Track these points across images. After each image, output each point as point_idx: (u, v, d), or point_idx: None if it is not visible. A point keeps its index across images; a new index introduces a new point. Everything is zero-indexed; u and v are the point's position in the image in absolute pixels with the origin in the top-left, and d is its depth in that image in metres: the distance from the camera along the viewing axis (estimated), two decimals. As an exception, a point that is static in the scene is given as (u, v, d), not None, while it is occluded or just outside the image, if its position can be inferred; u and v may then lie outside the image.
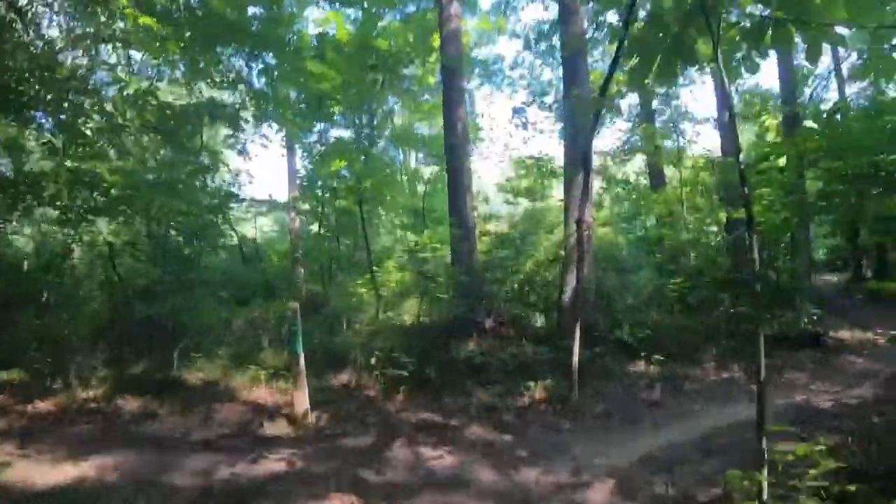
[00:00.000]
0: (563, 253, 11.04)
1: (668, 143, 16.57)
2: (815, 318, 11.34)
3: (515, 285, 11.90)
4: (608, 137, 29.43)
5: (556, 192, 15.85)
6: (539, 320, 11.09)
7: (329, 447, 6.76)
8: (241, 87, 13.41)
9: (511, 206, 16.32)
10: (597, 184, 16.89)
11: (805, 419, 6.72)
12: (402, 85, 17.45)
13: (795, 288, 13.02)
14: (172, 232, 11.69)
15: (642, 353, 9.18)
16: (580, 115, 10.34)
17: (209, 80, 12.61)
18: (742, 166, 4.40)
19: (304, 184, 16.90)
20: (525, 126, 15.05)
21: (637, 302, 11.83)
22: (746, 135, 17.83)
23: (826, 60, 19.91)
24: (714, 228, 14.35)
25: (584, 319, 9.25)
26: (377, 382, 8.79)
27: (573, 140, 10.75)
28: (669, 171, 17.36)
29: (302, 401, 7.58)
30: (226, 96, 14.20)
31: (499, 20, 19.80)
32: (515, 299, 11.60)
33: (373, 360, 9.05)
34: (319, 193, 15.18)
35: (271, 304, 11.73)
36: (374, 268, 12.65)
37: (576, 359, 7.74)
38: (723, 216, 13.84)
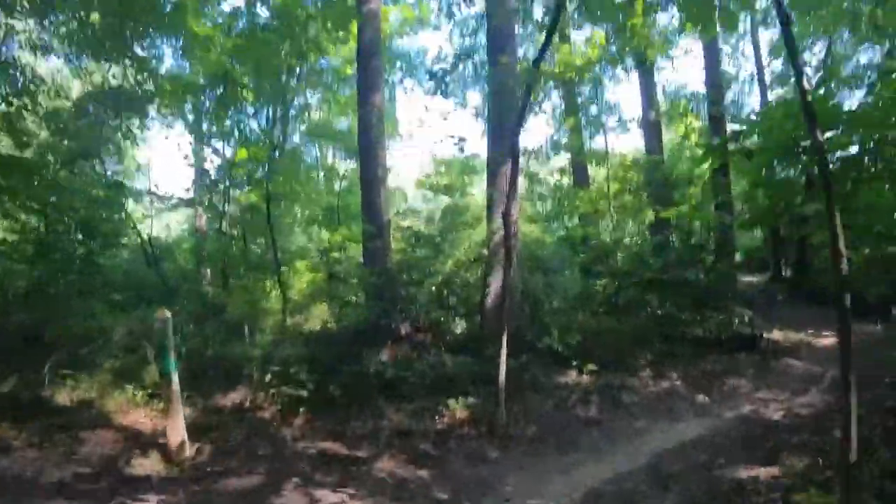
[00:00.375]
0: (486, 252, 9.98)
1: (593, 144, 16.04)
2: (745, 319, 10.83)
3: (434, 287, 10.71)
4: (532, 135, 28.98)
5: (478, 189, 14.88)
6: (460, 325, 10.02)
7: (205, 491, 5.23)
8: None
9: (430, 203, 15.17)
10: (520, 182, 16.02)
11: (761, 435, 5.87)
12: (322, 79, 16.11)
13: (723, 289, 12.60)
14: (59, 228, 10.14)
15: (573, 362, 8.17)
16: (507, 95, 9.34)
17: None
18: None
19: (211, 178, 15.06)
20: (444, 92, 13.56)
21: (564, 305, 10.92)
22: (670, 136, 17.64)
23: (749, 67, 20.31)
24: (640, 227, 13.78)
25: (510, 325, 8.22)
26: (273, 403, 7.30)
27: (499, 122, 9.69)
28: (593, 170, 16.80)
29: (177, 431, 5.98)
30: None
31: (422, 8, 18.62)
32: (434, 303, 10.41)
33: (267, 377, 7.54)
34: (222, 188, 13.50)
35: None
36: (284, 268, 11.36)
37: (503, 372, 6.58)
38: (650, 215, 13.28)
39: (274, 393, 7.36)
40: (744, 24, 20.17)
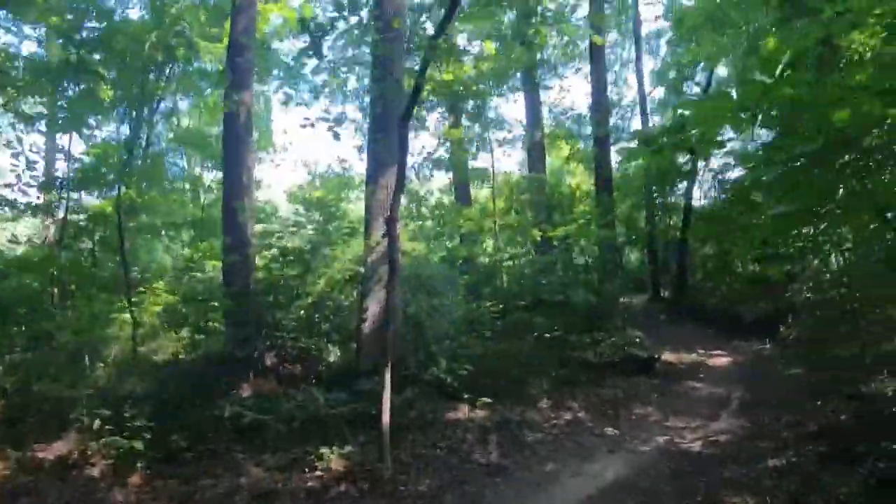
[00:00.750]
0: (362, 270, 8.66)
1: (477, 162, 15.35)
2: (637, 340, 10.35)
3: (303, 311, 9.17)
4: (412, 154, 28.06)
5: (356, 205, 13.59)
6: (334, 354, 8.56)
7: None
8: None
9: (302, 217, 13.60)
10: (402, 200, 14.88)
11: (691, 471, 5.01)
12: (193, 82, 14.29)
13: (611, 310, 12.17)
14: None
15: (464, 395, 7.00)
16: (393, 94, 8.21)
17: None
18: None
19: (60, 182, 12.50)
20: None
21: (450, 329, 9.81)
22: (553, 157, 17.54)
23: (630, 94, 20.94)
24: (527, 247, 13.15)
25: (394, 353, 6.99)
26: (105, 456, 5.42)
27: (384, 111, 8.45)
28: (475, 190, 16.13)
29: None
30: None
31: (305, 9, 17.00)
32: (304, 328, 8.88)
33: (96, 424, 5.64)
34: (65, 196, 11.39)
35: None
36: (141, 289, 9.90)
37: (386, 412, 5.27)
38: (536, 234, 12.66)
39: (106, 443, 5.50)
40: (628, 52, 20.99)
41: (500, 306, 10.79)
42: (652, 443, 5.91)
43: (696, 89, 17.42)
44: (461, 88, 11.46)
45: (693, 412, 6.93)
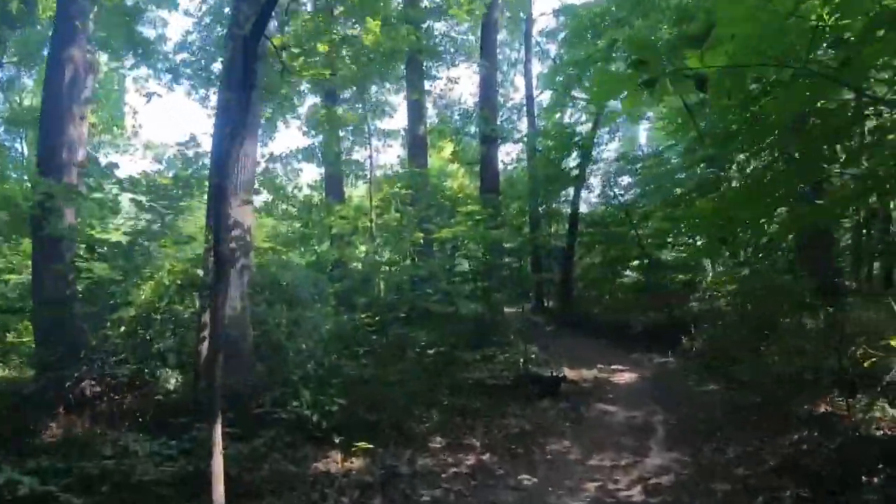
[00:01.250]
0: (201, 273, 6.69)
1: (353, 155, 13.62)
2: (533, 356, 9.20)
3: (123, 327, 6.98)
4: (278, 142, 25.50)
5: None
6: (174, 381, 6.56)
7: None
8: None
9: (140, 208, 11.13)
10: (260, 198, 12.68)
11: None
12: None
13: (501, 321, 10.99)
14: None
15: (336, 437, 5.28)
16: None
17: None
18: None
19: None
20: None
21: (318, 347, 7.99)
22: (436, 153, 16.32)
23: (517, 97, 20.36)
24: (408, 251, 11.65)
25: (232, 384, 5.18)
26: None
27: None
28: (350, 188, 14.39)
29: None
30: None
31: None
32: (134, 348, 6.69)
33: None
34: None
35: None
36: None
37: (219, 480, 3.42)
38: (419, 236, 11.18)
39: None
40: (518, 52, 20.37)
41: (377, 318, 9.20)
42: (582, 493, 4.56)
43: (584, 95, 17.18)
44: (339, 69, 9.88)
45: (617, 445, 5.71)
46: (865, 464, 3.97)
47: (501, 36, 18.93)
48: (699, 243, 11.77)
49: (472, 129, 15.91)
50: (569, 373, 8.76)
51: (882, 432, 4.76)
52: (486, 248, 11.33)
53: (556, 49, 18.77)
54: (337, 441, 5.23)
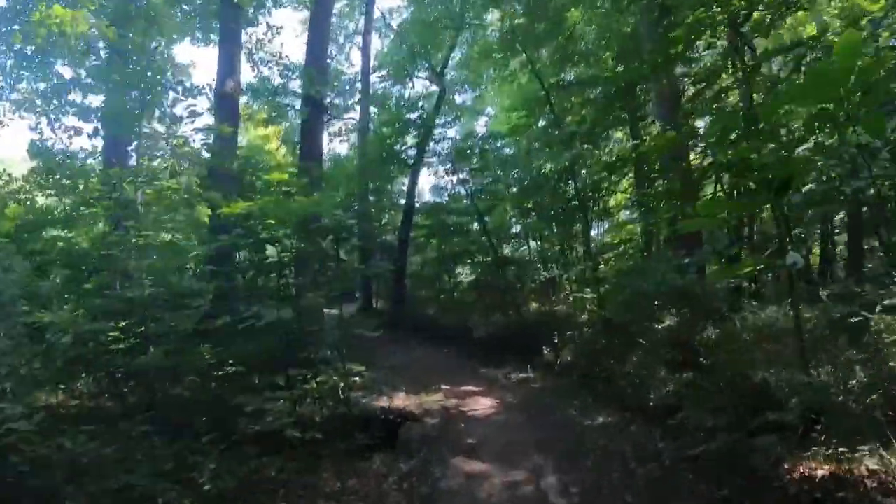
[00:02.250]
0: None
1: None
2: (358, 379, 6.60)
3: None
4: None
5: None
6: None
7: None
8: None
9: None
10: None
11: None
12: None
13: (318, 330, 8.17)
14: None
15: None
16: None
17: None
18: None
19: None
20: None
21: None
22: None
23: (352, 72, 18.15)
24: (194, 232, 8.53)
25: None
26: None
27: None
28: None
29: None
30: None
31: None
32: None
33: None
34: None
35: None
36: None
37: None
38: (206, 211, 8.09)
39: None
40: (357, 23, 18.33)
41: (130, 339, 5.90)
42: None
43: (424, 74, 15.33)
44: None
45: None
46: None
47: (339, 4, 16.47)
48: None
49: (295, 100, 13.26)
50: (406, 400, 6.40)
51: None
52: (302, 229, 8.36)
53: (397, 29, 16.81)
54: None
